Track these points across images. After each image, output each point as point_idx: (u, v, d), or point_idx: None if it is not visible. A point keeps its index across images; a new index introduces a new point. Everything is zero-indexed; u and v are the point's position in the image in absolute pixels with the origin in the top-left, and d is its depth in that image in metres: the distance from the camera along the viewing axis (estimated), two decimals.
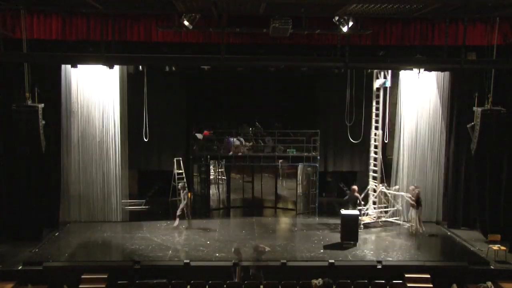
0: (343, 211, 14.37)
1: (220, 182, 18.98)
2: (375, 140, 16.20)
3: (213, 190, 18.54)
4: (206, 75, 16.87)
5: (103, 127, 15.54)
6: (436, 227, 15.76)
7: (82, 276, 12.03)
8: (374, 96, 16.11)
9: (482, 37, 13.13)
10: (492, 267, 12.71)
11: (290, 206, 17.85)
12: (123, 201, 15.96)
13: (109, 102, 15.48)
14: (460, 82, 15.21)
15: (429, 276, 12.25)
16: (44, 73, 14.84)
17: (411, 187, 14.95)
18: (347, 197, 15.52)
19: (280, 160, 17.05)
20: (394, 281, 11.84)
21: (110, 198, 15.81)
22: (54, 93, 15.04)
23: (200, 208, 17.45)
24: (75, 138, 15.52)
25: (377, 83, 15.81)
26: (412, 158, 15.99)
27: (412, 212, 14.77)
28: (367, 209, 15.74)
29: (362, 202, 15.25)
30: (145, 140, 15.86)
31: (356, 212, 14.52)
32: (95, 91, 15.44)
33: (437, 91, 15.77)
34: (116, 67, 15.06)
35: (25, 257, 12.77)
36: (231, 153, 15.55)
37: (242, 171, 19.30)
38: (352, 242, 13.93)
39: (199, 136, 17.02)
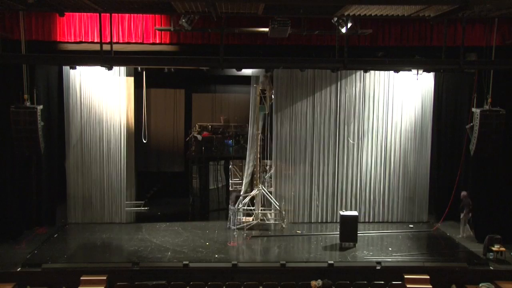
0: (342, 212, 14.38)
1: (219, 183, 19.01)
2: None
3: (212, 191, 18.56)
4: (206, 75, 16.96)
5: (107, 128, 15.59)
6: (431, 226, 15.82)
7: (81, 278, 12.01)
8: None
9: (480, 38, 13.15)
10: (491, 267, 12.72)
11: None
12: (126, 202, 15.97)
13: (115, 102, 15.53)
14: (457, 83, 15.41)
15: (428, 277, 12.25)
16: (46, 74, 14.95)
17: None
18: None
19: None
20: (393, 282, 11.85)
21: (114, 200, 15.82)
22: (56, 94, 15.17)
23: (200, 209, 17.42)
24: (77, 139, 15.53)
25: None
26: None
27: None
28: None
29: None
30: (144, 141, 15.89)
31: (355, 213, 14.54)
32: (100, 91, 15.48)
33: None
34: (122, 68, 15.11)
35: (24, 258, 12.74)
36: None
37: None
38: (351, 243, 13.93)
39: (199, 137, 17.03)
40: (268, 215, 15.97)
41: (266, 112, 15.44)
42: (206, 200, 17.69)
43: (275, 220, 15.78)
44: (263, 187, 15.76)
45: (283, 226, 15.46)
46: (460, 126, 15.69)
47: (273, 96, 15.43)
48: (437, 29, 13.11)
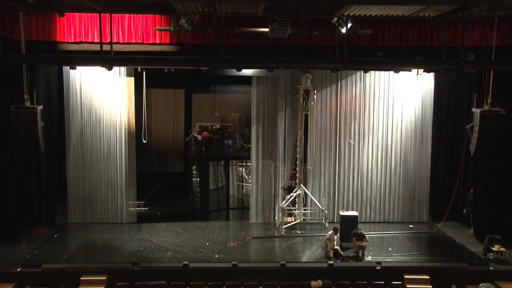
0: (342, 212, 14.39)
1: (219, 183, 19.02)
2: None
3: (212, 192, 18.56)
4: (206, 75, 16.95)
5: (107, 128, 15.61)
6: (431, 227, 15.83)
7: (81, 278, 12.01)
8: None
9: (480, 38, 13.15)
10: (491, 267, 12.72)
11: None
12: (126, 202, 15.97)
13: (115, 102, 15.54)
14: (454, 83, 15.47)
15: (428, 277, 12.25)
16: (46, 74, 14.96)
17: None
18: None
19: None
20: (393, 282, 11.84)
21: (114, 200, 15.83)
22: (56, 94, 15.20)
23: (200, 210, 17.42)
24: (78, 139, 15.54)
25: None
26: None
27: None
28: None
29: None
30: (144, 141, 15.89)
31: (355, 213, 14.54)
32: (100, 91, 15.49)
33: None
34: (122, 68, 15.11)
35: (24, 258, 12.74)
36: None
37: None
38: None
39: (199, 137, 17.03)
40: (309, 214, 16.06)
41: (308, 113, 15.48)
42: (206, 200, 17.66)
43: (318, 220, 15.86)
44: (305, 187, 15.82)
45: (326, 225, 15.46)
46: (460, 126, 15.70)
47: (315, 96, 15.51)
48: (437, 29, 13.11)
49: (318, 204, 15.64)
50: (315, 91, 15.50)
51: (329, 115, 16.01)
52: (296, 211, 15.79)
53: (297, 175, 15.77)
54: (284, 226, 15.20)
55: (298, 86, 15.43)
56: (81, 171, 15.65)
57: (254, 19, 12.61)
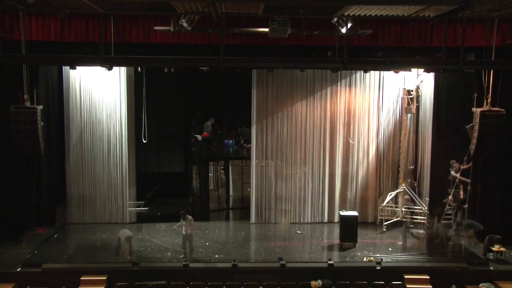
0: (342, 212, 14.40)
1: (220, 183, 19.00)
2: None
3: (212, 192, 18.55)
4: (206, 76, 16.92)
5: (107, 128, 15.61)
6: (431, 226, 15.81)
7: (81, 278, 12.01)
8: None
9: (480, 38, 13.13)
10: (491, 267, 12.72)
11: None
12: (129, 202, 15.98)
13: (115, 102, 15.54)
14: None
15: (428, 277, 12.25)
16: (46, 74, 14.96)
17: None
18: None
19: None
20: (393, 282, 11.85)
21: (114, 200, 15.84)
22: (56, 94, 15.21)
23: (200, 210, 17.40)
24: (77, 139, 15.54)
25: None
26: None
27: None
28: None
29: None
30: (144, 141, 15.89)
31: (355, 213, 14.56)
32: (100, 91, 15.49)
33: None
34: (122, 68, 15.11)
35: (24, 258, 12.73)
36: None
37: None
38: (351, 243, 13.92)
39: (199, 137, 17.03)
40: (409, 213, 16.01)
41: (413, 113, 15.65)
42: (206, 200, 17.67)
43: (420, 219, 15.81)
44: (407, 185, 15.84)
45: (427, 225, 15.50)
46: (460, 126, 15.68)
47: (420, 97, 15.66)
48: (437, 29, 13.09)
49: (422, 204, 15.64)
50: (421, 92, 15.56)
51: (328, 115, 15.99)
52: (398, 209, 15.80)
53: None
54: (385, 223, 15.29)
55: (402, 87, 15.55)
56: (81, 171, 15.65)
57: (254, 19, 12.60)
